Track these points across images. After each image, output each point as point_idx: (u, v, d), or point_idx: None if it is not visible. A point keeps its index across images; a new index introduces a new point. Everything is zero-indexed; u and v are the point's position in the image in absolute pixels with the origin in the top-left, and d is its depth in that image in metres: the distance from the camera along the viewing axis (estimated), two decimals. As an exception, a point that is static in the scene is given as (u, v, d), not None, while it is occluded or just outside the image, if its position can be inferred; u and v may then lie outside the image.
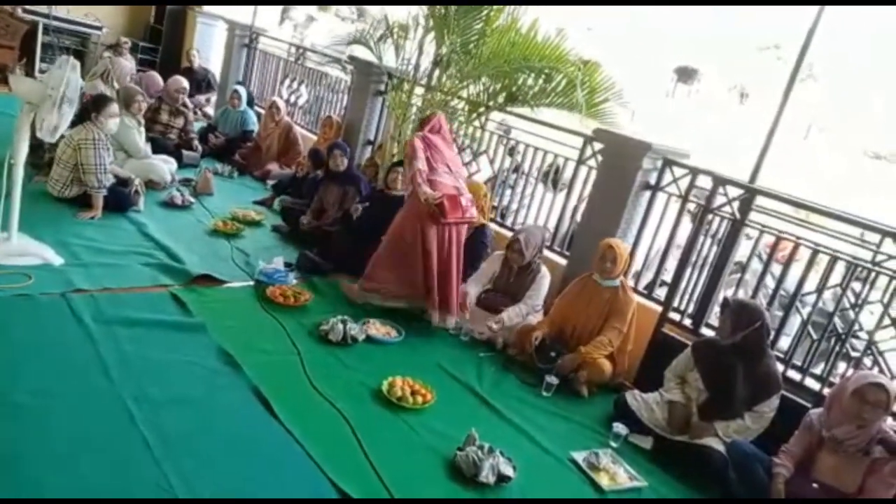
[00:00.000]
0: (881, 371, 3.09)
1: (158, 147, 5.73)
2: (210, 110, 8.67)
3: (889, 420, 2.96)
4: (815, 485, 2.76)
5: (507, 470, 2.63)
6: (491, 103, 4.76)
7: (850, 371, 3.19)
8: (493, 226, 4.64)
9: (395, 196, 4.52)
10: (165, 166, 5.44)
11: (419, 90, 5.08)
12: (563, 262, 4.51)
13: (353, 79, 6.44)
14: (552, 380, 3.51)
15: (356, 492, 2.35)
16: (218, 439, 2.49)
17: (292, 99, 7.81)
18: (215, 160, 6.57)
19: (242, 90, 7.36)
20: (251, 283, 3.97)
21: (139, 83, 6.50)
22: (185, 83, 6.52)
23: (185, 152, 6.23)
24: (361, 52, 5.97)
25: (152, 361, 2.88)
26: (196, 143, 6.56)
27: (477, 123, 5.16)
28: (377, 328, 3.70)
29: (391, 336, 3.69)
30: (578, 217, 4.60)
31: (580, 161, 4.50)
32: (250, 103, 7.46)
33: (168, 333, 3.16)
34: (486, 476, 2.56)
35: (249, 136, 7.00)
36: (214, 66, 9.17)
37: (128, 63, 7.58)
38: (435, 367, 3.51)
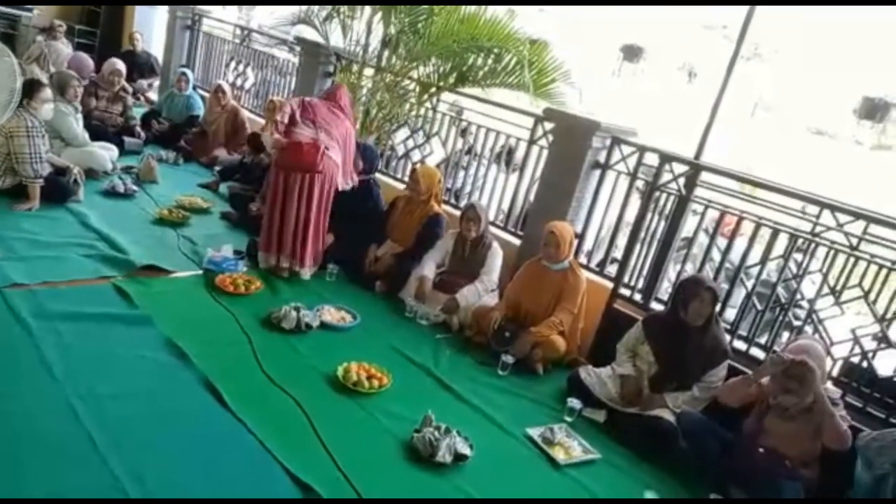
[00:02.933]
0: (820, 337, 3.21)
1: (98, 134, 5.51)
2: (153, 95, 8.37)
3: (829, 384, 3.11)
4: (761, 449, 2.86)
5: (464, 449, 2.64)
6: (441, 84, 4.72)
7: (793, 339, 3.30)
8: (446, 208, 4.63)
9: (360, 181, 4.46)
10: (105, 153, 5.24)
11: (369, 71, 5.00)
12: (517, 242, 4.54)
13: (301, 61, 6.29)
14: (508, 359, 3.54)
15: (311, 479, 2.32)
16: (168, 433, 2.43)
17: (239, 82, 7.60)
18: (159, 147, 6.35)
19: (189, 73, 7.13)
20: (199, 272, 3.87)
21: (69, 67, 6.21)
22: (121, 65, 6.27)
23: (126, 139, 6.00)
24: (310, 34, 5.84)
25: (96, 356, 2.79)
26: (138, 129, 6.33)
27: (428, 105, 5.12)
28: (331, 314, 3.66)
29: (346, 321, 3.65)
30: (532, 197, 4.63)
31: (531, 141, 4.52)
32: (195, 87, 7.23)
33: (112, 327, 3.06)
34: (443, 456, 2.57)
35: (195, 121, 6.78)
36: (156, 50, 8.84)
37: (64, 48, 7.26)
38: (391, 350, 3.49)
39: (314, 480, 2.32)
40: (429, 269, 4.11)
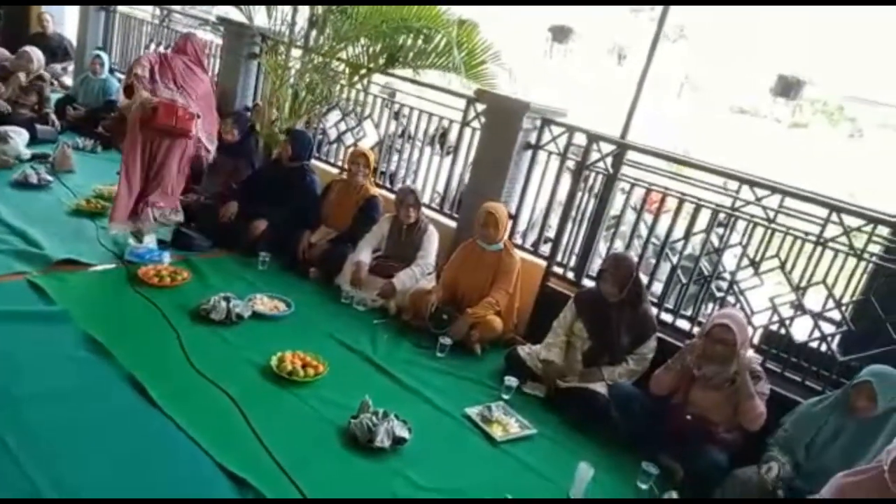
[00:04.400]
0: (741, 307, 3.36)
1: (7, 120, 5.16)
2: (68, 80, 7.89)
3: (751, 352, 3.26)
4: (688, 416, 2.98)
5: (403, 432, 2.64)
6: (371, 65, 4.64)
7: (716, 310, 3.44)
8: (381, 191, 4.58)
9: (290, 168, 4.34)
10: (18, 139, 4.91)
11: (296, 52, 4.86)
12: (452, 224, 4.55)
13: (225, 42, 6.06)
14: (446, 341, 3.55)
15: (247, 473, 2.27)
16: (90, 434, 2.32)
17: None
18: (76, 134, 6.01)
19: (105, 55, 6.75)
20: (121, 265, 3.70)
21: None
22: (40, 56, 5.88)
23: (39, 126, 5.65)
24: (234, 14, 5.62)
25: (11, 356, 2.63)
26: (52, 116, 5.96)
27: (359, 86, 5.03)
28: (264, 303, 3.57)
29: (280, 310, 3.57)
30: (466, 179, 4.63)
31: (464, 123, 4.51)
32: (111, 71, 6.86)
33: (27, 325, 2.90)
34: (382, 440, 2.56)
35: (113, 105, 6.43)
36: (69, 32, 8.32)
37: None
38: (327, 338, 3.44)
39: (249, 474, 2.27)
40: (365, 254, 4.06)
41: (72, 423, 2.35)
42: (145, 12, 7.69)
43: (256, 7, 5.01)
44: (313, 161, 5.39)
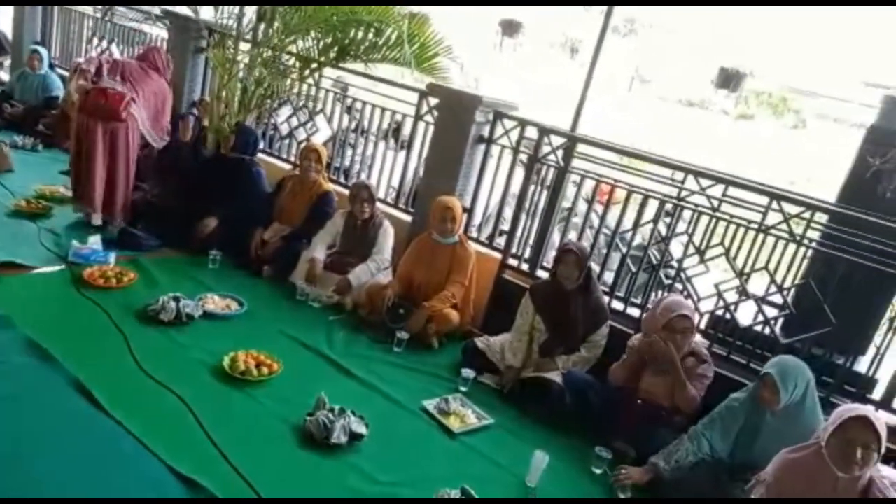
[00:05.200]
0: (689, 295, 3.46)
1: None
2: (3, 75, 7.56)
3: (698, 337, 3.36)
4: (640, 401, 3.06)
5: (360, 428, 2.64)
6: (322, 59, 4.58)
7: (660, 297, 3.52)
8: (335, 187, 4.54)
9: (231, 158, 4.26)
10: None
11: (245, 46, 4.76)
12: (408, 218, 4.54)
13: (171, 36, 5.90)
14: (403, 335, 3.55)
15: (199, 475, 2.23)
16: (34, 443, 2.24)
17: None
18: (13, 132, 5.78)
19: (43, 50, 6.49)
20: (64, 266, 3.57)
21: None
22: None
23: (-29, 125, 5.41)
24: (180, 7, 5.46)
25: (-56, 365, 2.52)
26: (-14, 114, 5.72)
27: (311, 81, 4.96)
28: (215, 302, 3.50)
29: (232, 309, 3.51)
30: (421, 173, 4.63)
31: (417, 117, 4.51)
32: (52, 66, 6.60)
33: (-37, 332, 2.77)
34: (338, 437, 2.55)
35: (54, 102, 6.21)
36: (4, 25, 7.96)
37: None
38: (282, 336, 3.41)
39: (201, 476, 2.23)
40: (319, 250, 4.03)
41: (13, 432, 2.26)
42: (86, 6, 7.41)
43: (202, -1, 4.88)
44: (267, 157, 5.34)
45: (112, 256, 3.71)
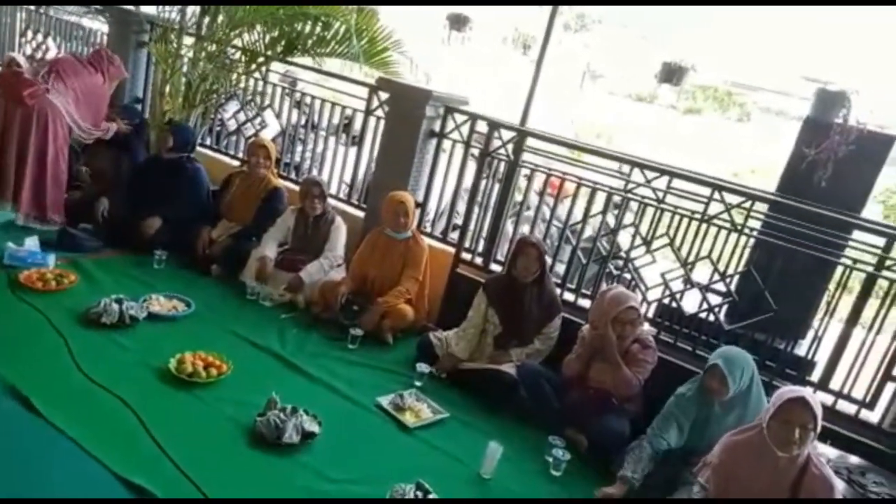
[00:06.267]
0: (636, 284, 3.53)
1: None
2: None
3: (646, 325, 3.44)
4: (591, 391, 3.12)
5: (313, 427, 2.61)
6: (269, 53, 4.49)
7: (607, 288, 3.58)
8: (285, 183, 4.47)
9: (169, 160, 4.14)
10: None
11: (188, 40, 4.63)
12: (360, 214, 4.51)
13: (111, 30, 5.69)
14: (357, 332, 3.53)
15: (144, 479, 2.17)
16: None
17: (38, 55, 6.71)
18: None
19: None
20: (-1, 269, 3.42)
21: None
22: None
23: None
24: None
25: None
26: None
27: (257, 75, 4.87)
28: (161, 303, 3.41)
29: (178, 310, 3.42)
30: (373, 168, 4.60)
31: (368, 112, 4.47)
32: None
33: None
34: (290, 436, 2.52)
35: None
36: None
37: None
38: (232, 336, 3.34)
39: (147, 481, 2.17)
40: (270, 248, 3.96)
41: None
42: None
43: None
44: (214, 154, 5.22)
45: (51, 258, 3.56)
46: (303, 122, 5.13)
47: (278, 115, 5.03)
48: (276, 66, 4.94)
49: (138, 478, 2.17)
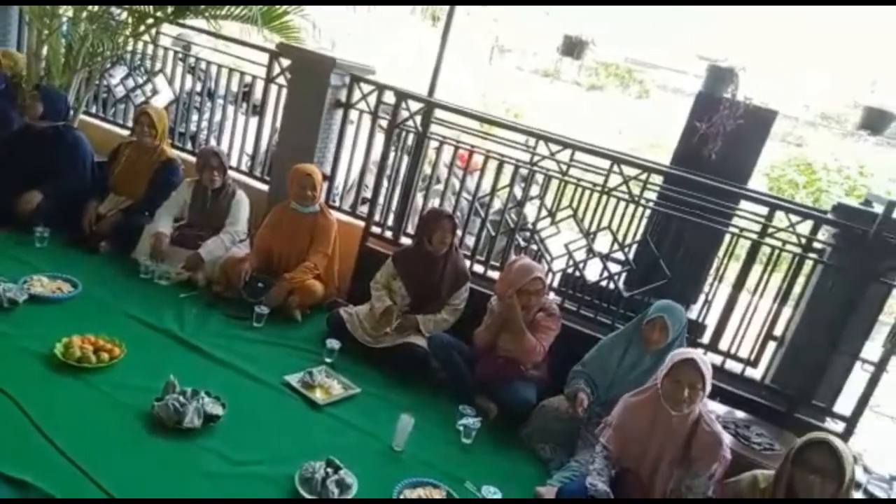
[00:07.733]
0: (542, 255, 3.62)
1: None
2: None
3: (551, 295, 3.54)
4: (500, 359, 3.18)
5: (215, 409, 2.51)
6: (159, 14, 4.18)
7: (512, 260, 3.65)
8: (181, 154, 4.21)
9: (42, 129, 3.79)
10: None
11: None
12: (264, 188, 4.34)
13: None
14: (262, 310, 3.41)
15: (29, 474, 2.01)
16: None
17: None
18: None
19: None
20: None
21: None
22: None
23: None
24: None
25: None
26: None
27: (146, 38, 4.53)
28: (43, 284, 3.15)
29: (63, 292, 3.17)
30: (276, 139, 4.42)
31: (269, 79, 4.28)
32: None
33: None
34: (191, 420, 2.41)
35: None
36: None
37: None
38: (125, 317, 3.15)
39: (33, 476, 2.01)
40: (164, 223, 3.74)
41: None
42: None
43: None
44: (101, 122, 4.84)
45: None
46: (198, 88, 4.84)
47: (171, 82, 4.72)
48: (168, 28, 4.62)
49: (20, 472, 2.01)
